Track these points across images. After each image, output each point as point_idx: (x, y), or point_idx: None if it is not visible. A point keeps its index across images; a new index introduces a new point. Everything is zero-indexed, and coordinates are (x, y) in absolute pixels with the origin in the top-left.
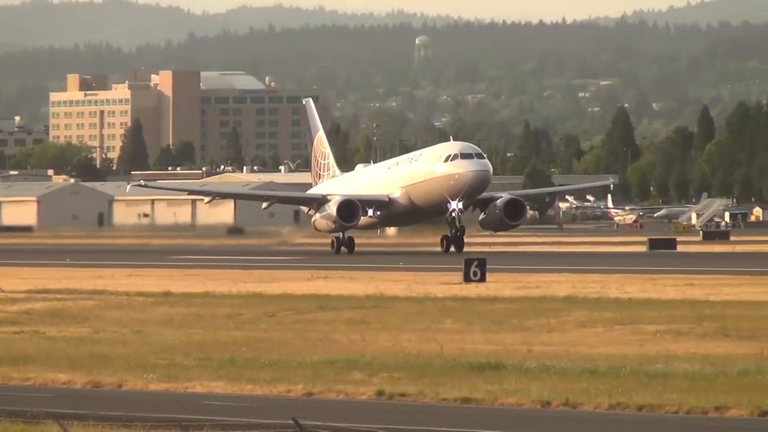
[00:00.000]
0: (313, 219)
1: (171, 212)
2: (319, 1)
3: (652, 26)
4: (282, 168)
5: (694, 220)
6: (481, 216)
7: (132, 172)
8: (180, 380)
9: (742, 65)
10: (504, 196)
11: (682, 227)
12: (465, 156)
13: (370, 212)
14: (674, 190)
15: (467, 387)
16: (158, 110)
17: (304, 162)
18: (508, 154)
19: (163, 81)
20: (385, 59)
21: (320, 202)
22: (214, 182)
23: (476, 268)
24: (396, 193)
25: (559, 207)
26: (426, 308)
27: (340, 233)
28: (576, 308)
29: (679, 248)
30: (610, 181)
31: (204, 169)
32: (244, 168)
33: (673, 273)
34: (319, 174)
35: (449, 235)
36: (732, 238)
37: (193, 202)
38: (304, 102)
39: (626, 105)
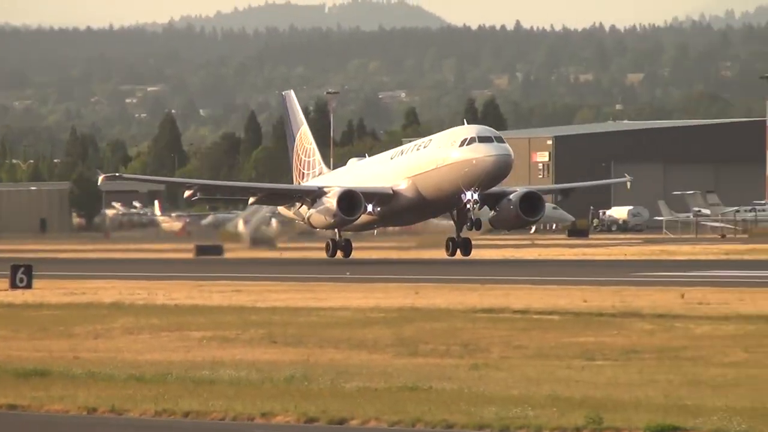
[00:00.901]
0: (307, 214)
1: None
2: None
3: (200, 32)
4: None
5: (240, 227)
6: (491, 213)
7: None
8: None
9: (289, 71)
10: (518, 189)
11: (230, 234)
12: (483, 139)
13: (370, 208)
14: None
15: (13, 394)
16: None
17: None
18: (55, 160)
19: None
20: None
21: (316, 194)
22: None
23: (22, 274)
24: (401, 185)
25: (106, 214)
26: None
27: (337, 235)
28: (122, 315)
29: (227, 255)
30: (628, 178)
31: None
32: None
33: (220, 279)
34: (302, 173)
35: (455, 237)
36: (279, 245)
37: None
38: (284, 94)
39: (173, 111)
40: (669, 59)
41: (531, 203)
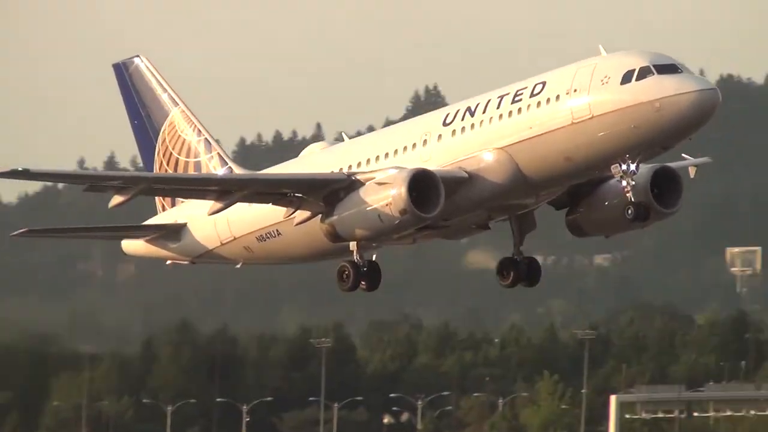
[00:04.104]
0: (331, 219)
1: None
2: None
3: None
4: None
5: None
6: (580, 211)
7: None
8: None
9: None
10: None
11: None
12: (665, 69)
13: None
14: None
15: None
16: None
17: None
18: None
19: None
20: None
21: (344, 185)
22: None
23: None
24: (485, 160)
25: None
26: None
27: (356, 255)
28: None
29: None
30: (706, 159)
31: None
32: None
33: None
34: None
35: (514, 256)
36: None
37: None
38: (124, 63)
39: None
40: None
41: (664, 186)
